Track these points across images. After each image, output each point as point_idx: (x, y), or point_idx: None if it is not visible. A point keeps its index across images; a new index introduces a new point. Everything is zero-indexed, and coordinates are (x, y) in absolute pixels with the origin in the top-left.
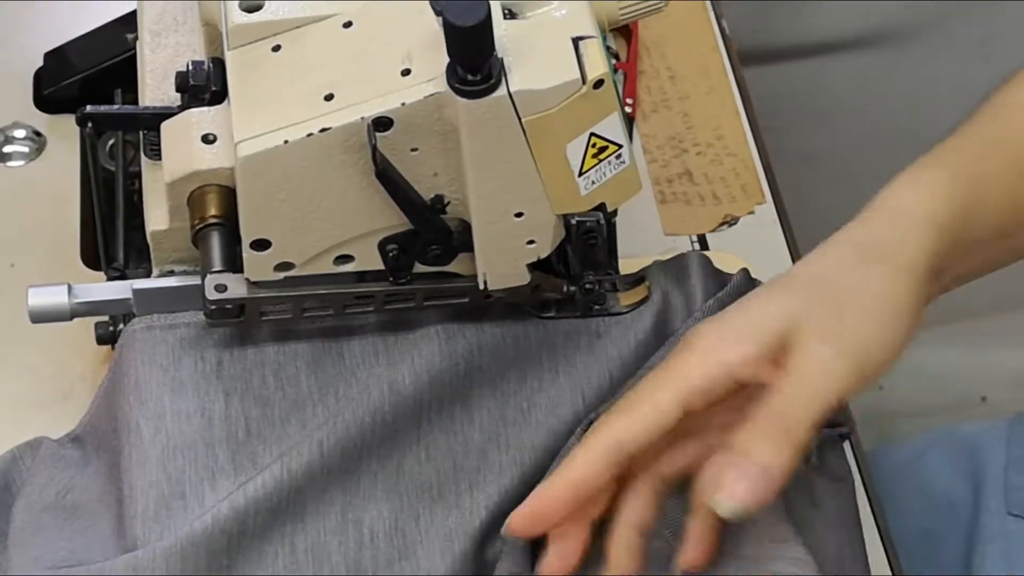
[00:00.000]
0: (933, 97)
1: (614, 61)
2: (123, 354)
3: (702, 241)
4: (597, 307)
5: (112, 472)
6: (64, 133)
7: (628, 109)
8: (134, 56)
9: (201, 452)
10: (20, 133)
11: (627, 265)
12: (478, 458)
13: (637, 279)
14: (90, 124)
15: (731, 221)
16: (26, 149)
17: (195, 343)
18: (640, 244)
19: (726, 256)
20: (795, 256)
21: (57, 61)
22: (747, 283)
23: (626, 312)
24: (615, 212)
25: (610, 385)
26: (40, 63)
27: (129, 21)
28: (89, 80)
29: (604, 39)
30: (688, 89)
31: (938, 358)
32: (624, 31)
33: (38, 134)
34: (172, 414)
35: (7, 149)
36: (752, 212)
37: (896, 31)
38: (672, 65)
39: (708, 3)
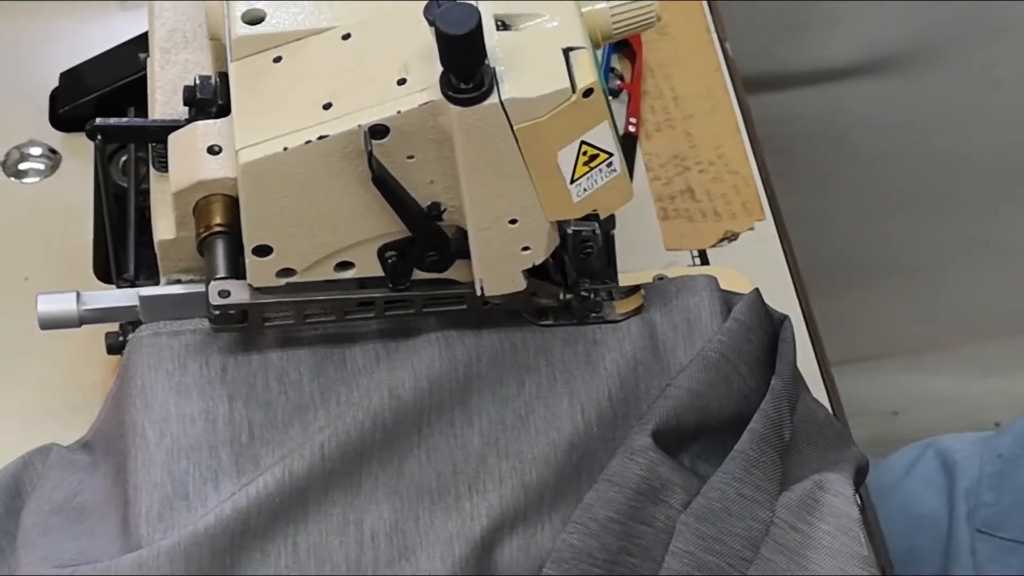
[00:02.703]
0: (940, 122)
1: (619, 82)
2: (130, 359)
3: (703, 256)
4: (593, 315)
5: (119, 475)
6: (79, 151)
7: (632, 128)
8: (147, 76)
9: (205, 454)
10: (36, 151)
11: (628, 279)
12: (477, 462)
13: (633, 288)
14: (99, 136)
15: (731, 237)
16: (41, 166)
17: (200, 349)
18: (642, 259)
19: (726, 271)
20: (793, 271)
21: (72, 81)
22: (760, 304)
23: (621, 320)
24: (613, 224)
25: (609, 403)
26: (56, 83)
27: (142, 42)
28: (103, 99)
29: (608, 54)
30: (691, 109)
31: (952, 384)
32: (628, 53)
33: (53, 152)
34: (177, 418)
35: (23, 166)
36: (752, 228)
37: (903, 57)
38: (675, 86)
39: (712, 27)
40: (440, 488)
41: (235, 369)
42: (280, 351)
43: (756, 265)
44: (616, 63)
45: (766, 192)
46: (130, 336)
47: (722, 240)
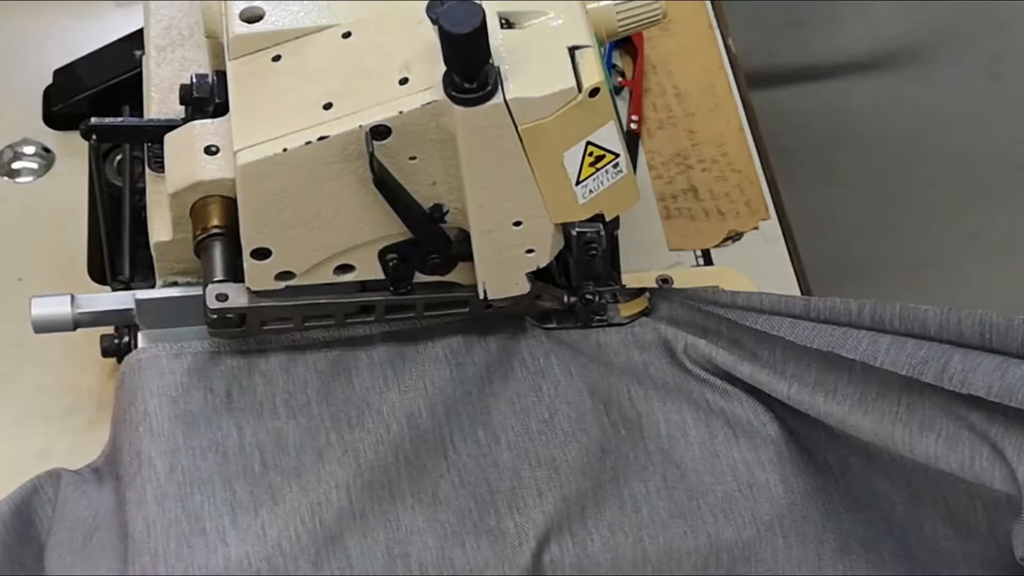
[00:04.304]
0: (945, 117)
1: (620, 79)
2: (128, 382)
3: (706, 256)
4: (598, 318)
5: (121, 501)
6: (73, 149)
7: (634, 126)
8: (142, 73)
9: (219, 487)
10: (29, 149)
11: (632, 279)
12: (511, 477)
13: (637, 290)
14: (94, 136)
15: (735, 236)
16: (35, 165)
17: (202, 373)
18: (645, 259)
19: (730, 272)
20: (798, 271)
21: (66, 78)
22: None
23: (626, 323)
24: (617, 225)
25: (631, 403)
26: (49, 80)
27: (137, 39)
28: (98, 97)
29: (610, 51)
30: (694, 106)
31: None
32: (630, 50)
33: (47, 150)
34: (186, 449)
35: (16, 165)
36: (756, 228)
37: (906, 53)
38: (678, 83)
39: (714, 23)
40: (480, 510)
41: (240, 396)
42: (284, 374)
43: (761, 265)
44: (618, 60)
45: (770, 191)
46: (126, 358)
47: (726, 240)
